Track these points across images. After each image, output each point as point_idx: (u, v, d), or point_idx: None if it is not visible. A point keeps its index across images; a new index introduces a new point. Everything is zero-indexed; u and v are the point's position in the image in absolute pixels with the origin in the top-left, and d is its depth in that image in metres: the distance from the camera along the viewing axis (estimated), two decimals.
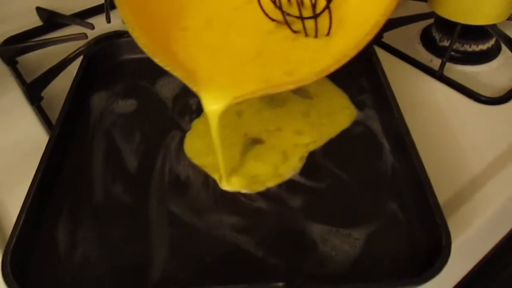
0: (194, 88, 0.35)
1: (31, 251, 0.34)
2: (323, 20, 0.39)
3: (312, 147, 0.42)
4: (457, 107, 0.48)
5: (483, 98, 0.48)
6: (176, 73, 0.35)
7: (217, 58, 0.39)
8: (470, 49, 0.55)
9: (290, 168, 0.40)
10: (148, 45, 0.35)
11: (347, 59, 0.34)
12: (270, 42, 0.41)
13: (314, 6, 0.40)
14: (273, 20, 0.42)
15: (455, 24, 0.52)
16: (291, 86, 0.35)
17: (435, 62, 0.54)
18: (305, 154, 0.41)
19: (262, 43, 0.40)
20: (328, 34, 0.40)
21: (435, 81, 0.51)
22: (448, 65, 0.52)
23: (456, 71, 0.53)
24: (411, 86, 0.50)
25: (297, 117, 0.45)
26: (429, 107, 0.48)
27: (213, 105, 0.35)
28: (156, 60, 0.35)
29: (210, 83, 0.36)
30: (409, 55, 0.54)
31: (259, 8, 0.42)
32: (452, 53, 0.54)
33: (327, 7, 0.38)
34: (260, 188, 0.38)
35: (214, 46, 0.40)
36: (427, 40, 0.58)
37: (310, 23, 0.40)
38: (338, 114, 0.45)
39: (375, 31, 0.35)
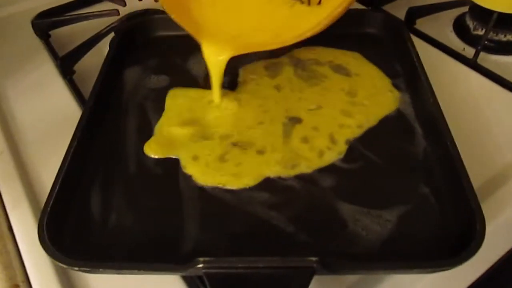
0: (198, 39, 0.43)
1: (66, 217, 0.35)
2: None
3: (358, 131, 0.41)
4: (491, 96, 0.47)
5: None
6: (187, 28, 0.44)
7: (221, 17, 0.46)
8: (505, 39, 0.54)
9: (336, 152, 0.40)
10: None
11: (320, 27, 0.41)
12: (270, 6, 0.47)
13: None
14: None
15: (490, 12, 0.51)
16: (275, 46, 0.42)
17: (467, 51, 0.53)
18: (352, 137, 0.41)
19: (263, 7, 0.47)
20: (319, 3, 0.45)
21: (468, 70, 0.50)
22: (482, 54, 0.51)
23: (490, 60, 0.52)
24: (443, 73, 0.49)
25: (340, 96, 0.45)
26: (462, 94, 0.47)
27: (212, 56, 0.43)
28: (173, 16, 0.45)
29: (211, 38, 0.43)
30: (442, 43, 0.54)
31: None
32: (486, 42, 0.53)
33: None
34: (300, 171, 0.38)
35: (222, 6, 0.47)
36: (460, 28, 0.57)
37: None
38: (382, 95, 0.45)
39: (345, 4, 0.40)
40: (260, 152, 0.40)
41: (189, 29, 0.44)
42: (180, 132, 0.42)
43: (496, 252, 0.35)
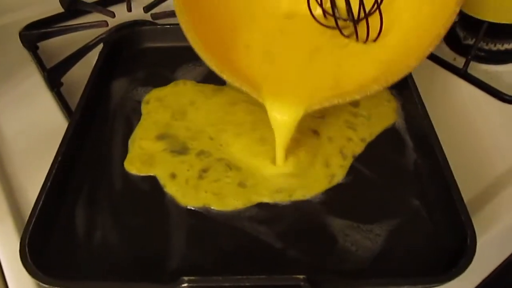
0: (261, 100, 0.37)
1: (49, 234, 0.34)
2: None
3: (362, 145, 0.40)
4: (481, 106, 0.47)
5: (507, 97, 0.47)
6: (245, 88, 0.37)
7: (276, 71, 0.40)
8: (495, 48, 0.54)
9: (344, 171, 0.39)
10: (217, 64, 0.37)
11: (409, 70, 0.36)
12: (322, 52, 0.42)
13: (360, 11, 0.40)
14: (324, 25, 0.43)
15: (481, 22, 0.51)
16: (357, 96, 0.35)
17: (458, 61, 0.53)
18: (358, 152, 0.40)
19: (313, 54, 0.41)
20: (375, 40, 0.40)
21: (459, 79, 0.50)
22: (472, 64, 0.52)
23: (480, 70, 0.52)
24: (434, 83, 0.49)
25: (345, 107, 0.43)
26: (453, 105, 0.47)
27: (283, 115, 0.36)
28: (224, 77, 0.37)
29: (277, 97, 0.37)
30: (433, 53, 0.53)
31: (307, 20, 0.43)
32: (477, 52, 0.53)
33: (378, 8, 0.38)
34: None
35: (272, 59, 0.41)
36: (450, 38, 0.57)
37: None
38: (383, 106, 0.44)
39: (436, 42, 0.36)
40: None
41: (247, 88, 0.37)
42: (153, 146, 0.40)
43: (488, 265, 0.35)
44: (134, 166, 0.39)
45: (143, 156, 0.40)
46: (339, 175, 0.38)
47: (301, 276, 0.27)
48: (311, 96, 0.36)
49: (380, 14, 0.39)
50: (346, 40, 0.42)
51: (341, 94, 0.35)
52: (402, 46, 0.38)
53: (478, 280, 0.35)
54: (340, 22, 0.42)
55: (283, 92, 0.37)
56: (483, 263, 0.35)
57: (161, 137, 0.41)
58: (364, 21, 0.41)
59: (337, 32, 0.42)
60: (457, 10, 0.35)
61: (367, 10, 0.40)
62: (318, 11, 0.45)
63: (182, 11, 0.39)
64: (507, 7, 0.50)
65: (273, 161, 0.38)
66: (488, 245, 0.35)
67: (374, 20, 0.40)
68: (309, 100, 0.35)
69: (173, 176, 0.38)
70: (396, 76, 0.35)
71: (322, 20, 0.45)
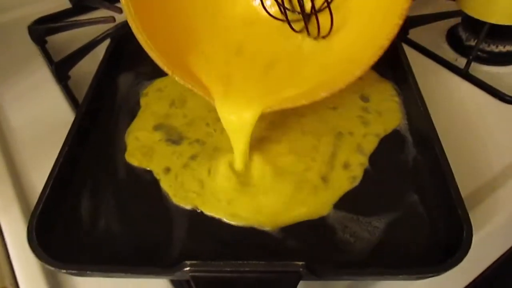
0: (213, 101, 0.37)
1: (55, 220, 0.35)
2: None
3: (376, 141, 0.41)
4: (482, 106, 0.47)
5: (507, 97, 0.48)
6: (197, 89, 0.38)
7: (232, 73, 0.40)
8: (496, 50, 0.54)
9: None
10: (167, 65, 0.38)
11: (354, 78, 0.35)
12: (280, 53, 0.42)
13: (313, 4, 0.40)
14: (276, 18, 0.43)
15: (482, 23, 0.52)
16: (304, 102, 0.35)
17: (460, 61, 0.53)
18: (373, 148, 0.40)
19: (273, 55, 0.42)
20: (326, 36, 0.41)
21: (460, 79, 0.51)
22: (474, 65, 0.52)
23: (482, 71, 0.52)
24: (435, 83, 0.50)
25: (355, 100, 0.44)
26: (454, 104, 0.47)
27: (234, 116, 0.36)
28: (176, 78, 0.37)
29: (228, 98, 0.37)
30: (435, 53, 0.54)
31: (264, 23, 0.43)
32: (478, 53, 0.53)
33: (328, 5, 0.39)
34: None
35: (227, 63, 0.41)
36: (453, 39, 0.57)
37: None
38: (389, 101, 0.45)
39: (380, 53, 0.35)
40: None
41: (199, 89, 0.38)
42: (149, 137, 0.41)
43: (485, 260, 0.36)
44: (135, 158, 0.40)
45: (143, 148, 0.41)
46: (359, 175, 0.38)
47: (300, 263, 0.28)
48: (263, 97, 0.36)
49: (330, 11, 0.39)
50: (300, 39, 0.42)
51: (290, 98, 0.36)
52: (348, 52, 0.39)
53: (474, 274, 0.35)
54: (294, 17, 0.43)
55: (236, 92, 0.37)
56: (480, 258, 0.35)
57: (158, 127, 0.42)
58: (318, 17, 0.41)
59: (292, 32, 0.43)
60: (400, 23, 0.35)
61: (317, 7, 0.41)
62: (274, 9, 0.45)
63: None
64: (509, 9, 0.50)
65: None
66: (485, 240, 0.36)
67: (325, 18, 0.40)
68: (261, 100, 0.36)
69: (167, 170, 0.39)
70: (341, 83, 0.35)
71: (279, 16, 0.44)
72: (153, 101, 0.45)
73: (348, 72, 0.35)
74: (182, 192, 0.37)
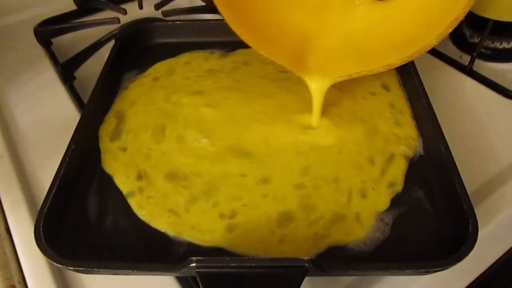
0: (299, 74, 0.40)
1: (62, 218, 0.35)
2: None
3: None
4: (486, 102, 0.47)
5: (511, 93, 0.48)
6: (281, 62, 0.40)
7: (312, 45, 0.42)
8: (500, 46, 0.54)
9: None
10: (253, 41, 0.40)
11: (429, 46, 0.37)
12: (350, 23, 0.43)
13: None
14: None
15: (486, 20, 0.52)
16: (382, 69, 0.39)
17: (464, 58, 0.53)
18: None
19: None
20: None
21: (464, 76, 0.51)
22: (478, 61, 0.52)
23: (486, 67, 0.52)
24: (440, 80, 0.50)
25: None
26: (458, 101, 0.47)
27: (317, 84, 0.40)
28: (262, 52, 0.40)
29: (313, 70, 0.41)
30: (439, 50, 0.54)
31: None
32: (482, 50, 0.53)
33: None
34: None
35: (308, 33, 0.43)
36: (457, 36, 0.57)
37: None
38: None
39: (455, 24, 0.37)
40: None
41: (286, 64, 0.41)
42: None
43: (491, 255, 0.35)
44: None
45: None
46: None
47: (306, 258, 0.28)
48: (336, 70, 0.40)
49: None
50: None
51: (365, 67, 0.39)
52: (424, 19, 0.40)
53: (481, 269, 0.35)
54: None
55: (315, 67, 0.41)
56: (486, 253, 0.35)
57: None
58: None
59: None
60: None
61: None
62: None
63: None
64: (510, 5, 0.50)
65: None
66: (492, 234, 0.36)
67: None
68: (334, 75, 0.40)
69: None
70: (417, 51, 0.37)
71: None
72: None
73: (423, 39, 0.37)
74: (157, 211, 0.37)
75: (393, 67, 0.38)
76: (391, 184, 0.37)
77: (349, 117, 0.42)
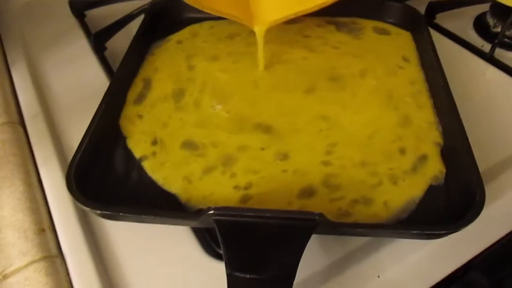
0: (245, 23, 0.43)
1: (92, 169, 0.37)
2: None
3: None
4: (505, 88, 0.48)
5: None
6: (229, 16, 0.44)
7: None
8: None
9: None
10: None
11: None
12: None
13: None
14: None
15: (511, 10, 0.52)
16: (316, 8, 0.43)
17: (486, 48, 0.54)
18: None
19: None
20: None
21: (485, 63, 0.51)
22: (500, 51, 0.52)
23: (507, 57, 0.53)
24: (461, 66, 0.50)
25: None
26: (477, 86, 0.48)
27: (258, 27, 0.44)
28: (208, 11, 0.43)
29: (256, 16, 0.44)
30: (461, 37, 0.55)
31: None
32: (506, 39, 0.54)
33: None
34: None
35: None
36: (480, 26, 0.58)
37: None
38: None
39: None
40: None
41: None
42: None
43: (497, 232, 0.36)
44: None
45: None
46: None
47: (317, 212, 0.30)
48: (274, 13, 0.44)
49: None
50: None
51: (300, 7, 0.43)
52: None
53: (486, 244, 0.36)
54: None
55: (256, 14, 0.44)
56: (491, 229, 0.36)
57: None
58: None
59: None
60: None
61: None
62: None
63: None
64: None
65: None
66: (496, 213, 0.36)
67: None
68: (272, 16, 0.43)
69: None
70: None
71: None
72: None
73: None
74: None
75: (327, 4, 0.42)
76: (424, 174, 0.37)
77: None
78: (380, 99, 0.43)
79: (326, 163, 0.37)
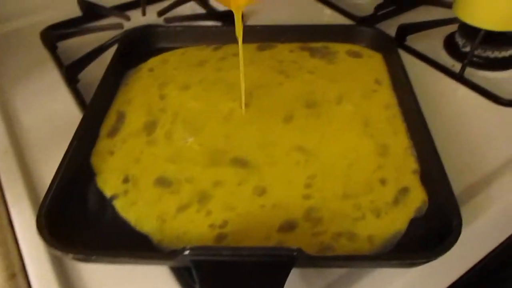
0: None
1: (64, 210, 0.36)
2: None
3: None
4: (476, 108, 0.49)
5: (501, 99, 0.49)
6: None
7: None
8: (492, 55, 0.56)
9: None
10: None
11: None
12: None
13: None
14: None
15: (478, 30, 0.53)
16: None
17: (457, 67, 0.55)
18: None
19: None
20: None
21: (455, 83, 0.52)
22: (471, 70, 0.54)
23: (478, 76, 0.54)
24: (432, 87, 0.51)
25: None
26: (449, 107, 0.49)
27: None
28: None
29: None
30: (432, 58, 0.56)
31: None
32: (475, 58, 0.55)
33: None
34: None
35: None
36: (450, 46, 0.59)
37: None
38: None
39: None
40: None
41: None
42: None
43: (476, 254, 0.36)
44: None
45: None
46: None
47: (295, 248, 0.29)
48: None
49: None
50: None
51: None
52: None
53: (466, 267, 0.36)
54: None
55: None
56: (470, 252, 0.36)
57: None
58: None
59: None
60: None
61: None
62: None
63: None
64: (501, 16, 0.52)
65: None
66: (475, 235, 0.37)
67: None
68: None
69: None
70: None
71: None
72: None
73: None
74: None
75: None
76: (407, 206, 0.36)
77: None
78: (356, 126, 0.43)
79: (306, 197, 0.37)
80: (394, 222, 0.35)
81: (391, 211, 0.35)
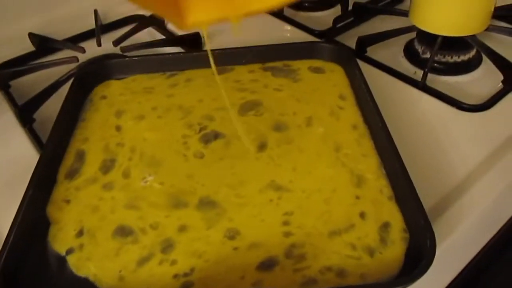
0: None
1: (21, 265, 0.34)
2: None
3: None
4: (441, 116, 0.49)
5: (465, 105, 0.49)
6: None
7: None
8: (451, 60, 0.56)
9: None
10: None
11: None
12: None
13: None
14: None
15: (435, 36, 0.54)
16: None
17: (418, 74, 0.55)
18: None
19: None
20: None
21: (418, 92, 0.52)
22: (432, 76, 0.54)
23: (440, 81, 0.54)
24: (395, 97, 0.51)
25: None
26: (413, 116, 0.49)
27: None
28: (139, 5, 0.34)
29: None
30: (393, 68, 0.56)
31: None
32: (435, 64, 0.55)
33: None
34: None
35: None
36: (410, 53, 0.59)
37: None
38: None
39: None
40: None
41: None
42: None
43: (453, 268, 0.36)
44: None
45: None
46: None
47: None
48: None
49: None
50: None
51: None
52: None
53: (444, 283, 0.36)
54: None
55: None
56: (446, 268, 0.36)
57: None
58: None
59: None
60: None
61: None
62: None
63: None
64: (456, 21, 0.52)
65: None
66: (450, 250, 0.36)
67: None
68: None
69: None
70: None
71: None
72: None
73: None
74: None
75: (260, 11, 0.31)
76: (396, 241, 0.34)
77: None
78: (328, 153, 0.41)
79: (286, 234, 0.34)
80: (390, 262, 0.33)
81: (384, 251, 0.33)
